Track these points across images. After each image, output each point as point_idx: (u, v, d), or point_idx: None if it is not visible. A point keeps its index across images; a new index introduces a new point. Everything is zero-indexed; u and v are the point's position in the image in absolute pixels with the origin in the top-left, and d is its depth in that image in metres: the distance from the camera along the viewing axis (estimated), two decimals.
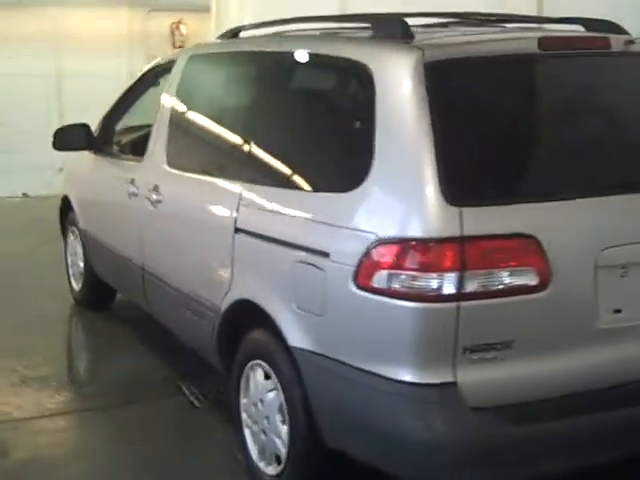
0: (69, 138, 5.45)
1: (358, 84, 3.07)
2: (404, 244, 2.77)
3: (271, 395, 3.40)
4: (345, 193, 3.01)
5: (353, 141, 3.11)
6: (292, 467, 3.32)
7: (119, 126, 5.57)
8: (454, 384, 2.79)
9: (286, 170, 3.49)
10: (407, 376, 2.80)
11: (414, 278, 2.75)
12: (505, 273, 2.78)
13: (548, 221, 2.85)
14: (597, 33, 3.44)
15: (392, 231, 2.81)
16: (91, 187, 5.67)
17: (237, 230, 3.56)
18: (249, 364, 3.56)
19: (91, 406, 4.52)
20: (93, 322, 5.97)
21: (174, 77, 4.59)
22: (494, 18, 3.87)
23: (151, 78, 5.19)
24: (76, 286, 6.20)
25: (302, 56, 3.67)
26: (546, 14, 5.05)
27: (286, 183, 3.43)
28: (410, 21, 3.18)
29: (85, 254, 5.88)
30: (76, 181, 6.03)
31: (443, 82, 2.93)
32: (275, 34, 4.10)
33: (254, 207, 3.52)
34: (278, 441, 3.37)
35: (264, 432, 3.46)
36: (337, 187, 3.08)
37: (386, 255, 2.80)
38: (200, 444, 4.02)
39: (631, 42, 3.29)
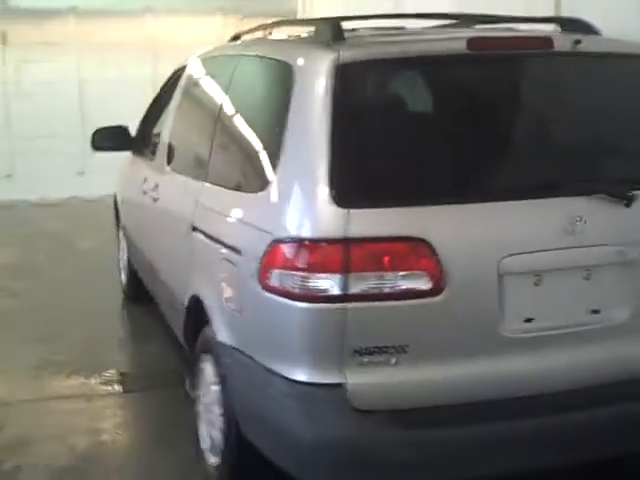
0: (107, 139, 5.72)
1: (283, 85, 3.10)
2: (293, 244, 2.79)
3: (214, 388, 3.50)
4: (257, 193, 3.07)
5: (270, 141, 3.15)
6: (224, 460, 3.40)
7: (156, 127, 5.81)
8: (342, 386, 2.78)
9: (222, 169, 3.60)
10: (299, 375, 2.82)
11: (302, 278, 2.77)
12: (394, 276, 2.75)
13: (442, 225, 2.79)
14: (570, 33, 3.32)
15: (285, 231, 2.84)
16: (127, 185, 5.94)
17: (193, 228, 3.68)
18: (202, 357, 3.67)
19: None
20: (134, 315, 6.22)
21: (181, 80, 4.78)
22: (476, 19, 3.81)
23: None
24: (124, 280, 6.51)
25: (246, 59, 3.78)
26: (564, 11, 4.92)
27: (222, 182, 3.53)
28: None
29: (127, 249, 6.18)
30: (119, 180, 6.32)
31: (355, 84, 2.93)
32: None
33: (203, 205, 3.64)
34: (218, 433, 3.46)
35: (210, 423, 3.57)
36: (254, 187, 3.14)
37: (278, 255, 2.83)
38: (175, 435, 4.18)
39: (578, 42, 3.17)
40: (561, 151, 3.05)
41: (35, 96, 10.79)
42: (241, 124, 3.60)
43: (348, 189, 2.75)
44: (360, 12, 6.85)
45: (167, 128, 4.73)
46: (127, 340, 5.86)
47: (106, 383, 4.89)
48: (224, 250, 3.24)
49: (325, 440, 2.79)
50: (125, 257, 6.29)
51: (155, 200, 4.58)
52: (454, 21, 3.85)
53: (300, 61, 3.10)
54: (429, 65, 3.02)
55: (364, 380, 2.79)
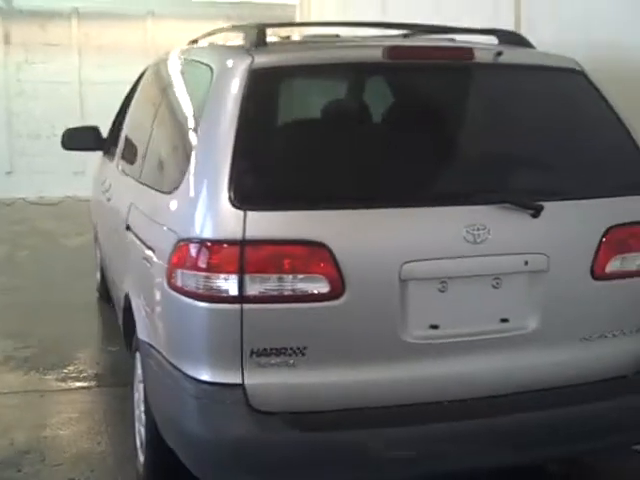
0: (77, 139, 5.79)
1: (204, 88, 3.15)
2: (194, 245, 2.82)
3: (141, 386, 3.54)
4: (170, 193, 3.12)
5: (186, 143, 3.19)
6: (146, 458, 3.45)
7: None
8: (241, 386, 2.81)
9: (150, 170, 3.66)
10: (201, 375, 2.85)
11: (202, 278, 2.80)
12: (291, 279, 2.77)
13: (341, 229, 2.80)
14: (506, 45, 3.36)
15: (188, 232, 2.87)
16: (95, 185, 6.01)
17: (127, 227, 3.74)
18: (134, 356, 3.72)
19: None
20: (105, 313, 6.20)
21: (139, 83, 4.86)
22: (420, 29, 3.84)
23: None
24: (98, 279, 6.58)
25: (184, 63, 3.85)
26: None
27: (149, 182, 3.59)
28: None
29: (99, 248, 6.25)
30: (92, 180, 6.40)
31: (264, 89, 2.96)
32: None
33: (134, 205, 3.69)
34: (144, 431, 3.50)
35: (140, 421, 3.61)
36: (169, 187, 3.17)
37: (182, 255, 2.87)
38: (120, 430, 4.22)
39: (499, 54, 3.19)
40: (468, 161, 3.07)
41: (36, 96, 10.92)
42: (169, 126, 3.67)
43: (247, 191, 2.78)
44: (350, 18, 6.98)
45: (122, 130, 4.81)
46: (94, 338, 5.91)
47: (63, 380, 4.97)
48: (145, 250, 3.29)
49: (222, 440, 2.82)
50: (98, 256, 6.38)
51: (108, 200, 4.65)
52: (407, 31, 3.88)
53: (219, 65, 3.16)
54: (341, 72, 3.06)
55: (262, 381, 2.82)
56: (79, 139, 5.77)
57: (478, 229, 2.88)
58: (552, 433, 2.97)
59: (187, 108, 3.50)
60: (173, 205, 3.07)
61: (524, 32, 4.98)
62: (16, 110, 11.20)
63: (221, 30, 4.10)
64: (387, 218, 2.86)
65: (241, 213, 2.75)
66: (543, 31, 4.73)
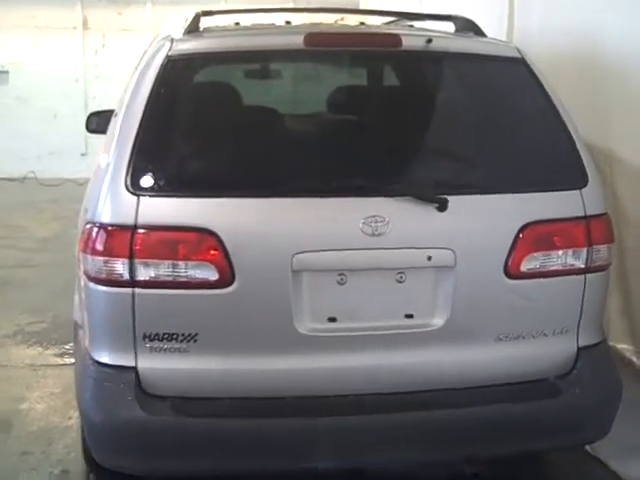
0: (99, 122, 5.91)
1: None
2: (94, 228, 2.86)
3: None
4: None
5: (111, 127, 3.22)
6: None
7: None
8: (133, 369, 2.85)
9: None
10: (101, 357, 2.91)
11: (97, 262, 2.84)
12: (181, 265, 2.79)
13: (230, 217, 2.79)
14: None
15: (91, 215, 2.91)
16: None
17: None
18: None
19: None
20: None
21: None
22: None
23: None
24: None
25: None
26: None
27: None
28: None
29: None
30: None
31: (177, 76, 2.98)
32: None
33: None
34: None
35: None
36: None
37: (85, 238, 2.91)
38: None
39: (430, 41, 3.08)
40: (373, 151, 2.98)
41: (112, 80, 11.23)
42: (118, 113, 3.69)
43: (141, 177, 2.81)
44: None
45: None
46: None
47: (60, 355, 5.11)
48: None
49: (111, 422, 2.86)
50: None
51: None
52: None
53: (148, 52, 3.18)
54: (259, 59, 3.03)
55: (154, 365, 2.85)
56: (101, 122, 5.89)
57: (377, 221, 2.81)
58: (453, 433, 2.88)
59: (126, 95, 3.54)
60: (88, 188, 3.12)
61: None
62: (92, 93, 11.55)
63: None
64: (279, 208, 2.83)
65: (135, 199, 2.78)
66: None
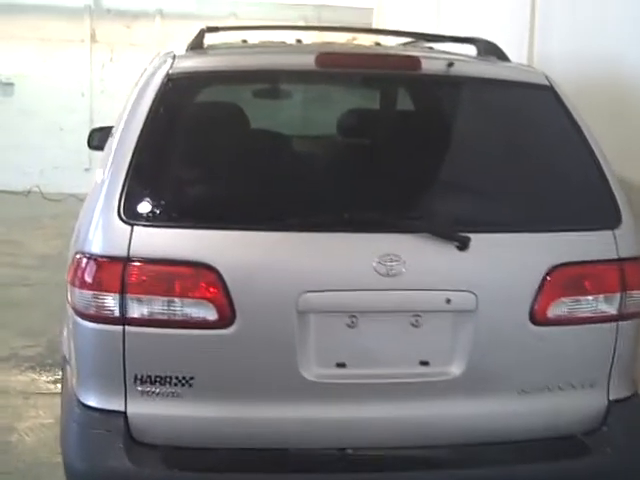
0: (100, 139, 5.71)
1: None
2: (79, 259, 2.64)
3: None
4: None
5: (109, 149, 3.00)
6: None
7: None
8: (123, 414, 2.62)
9: None
10: (88, 399, 2.69)
11: (85, 296, 2.62)
12: (176, 302, 2.56)
13: (233, 252, 2.56)
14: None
15: (80, 245, 2.70)
16: None
17: None
18: None
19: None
20: None
21: None
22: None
23: None
24: None
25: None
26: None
27: None
28: None
29: None
30: None
31: (180, 94, 2.78)
32: None
33: None
34: None
35: None
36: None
37: (73, 269, 2.69)
38: None
39: (451, 65, 2.86)
40: (389, 183, 2.74)
41: (117, 95, 11.05)
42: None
43: (136, 204, 2.59)
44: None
45: None
46: None
47: (54, 382, 4.87)
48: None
49: (97, 473, 2.62)
50: None
51: None
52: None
53: (153, 68, 2.97)
54: (265, 79, 2.81)
55: (145, 410, 2.63)
56: (102, 139, 5.70)
57: (392, 260, 2.57)
58: None
59: (124, 114, 3.33)
60: (81, 212, 2.90)
61: None
62: (98, 108, 11.36)
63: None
64: (285, 242, 2.60)
65: (128, 228, 2.55)
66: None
